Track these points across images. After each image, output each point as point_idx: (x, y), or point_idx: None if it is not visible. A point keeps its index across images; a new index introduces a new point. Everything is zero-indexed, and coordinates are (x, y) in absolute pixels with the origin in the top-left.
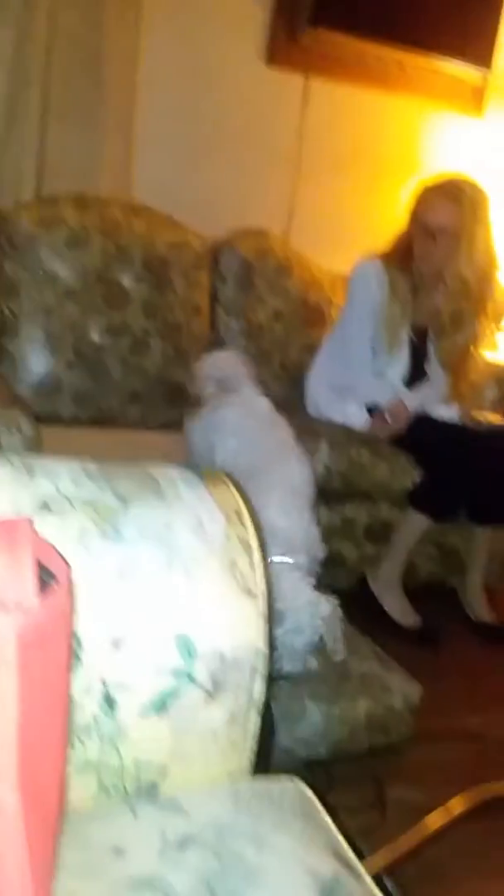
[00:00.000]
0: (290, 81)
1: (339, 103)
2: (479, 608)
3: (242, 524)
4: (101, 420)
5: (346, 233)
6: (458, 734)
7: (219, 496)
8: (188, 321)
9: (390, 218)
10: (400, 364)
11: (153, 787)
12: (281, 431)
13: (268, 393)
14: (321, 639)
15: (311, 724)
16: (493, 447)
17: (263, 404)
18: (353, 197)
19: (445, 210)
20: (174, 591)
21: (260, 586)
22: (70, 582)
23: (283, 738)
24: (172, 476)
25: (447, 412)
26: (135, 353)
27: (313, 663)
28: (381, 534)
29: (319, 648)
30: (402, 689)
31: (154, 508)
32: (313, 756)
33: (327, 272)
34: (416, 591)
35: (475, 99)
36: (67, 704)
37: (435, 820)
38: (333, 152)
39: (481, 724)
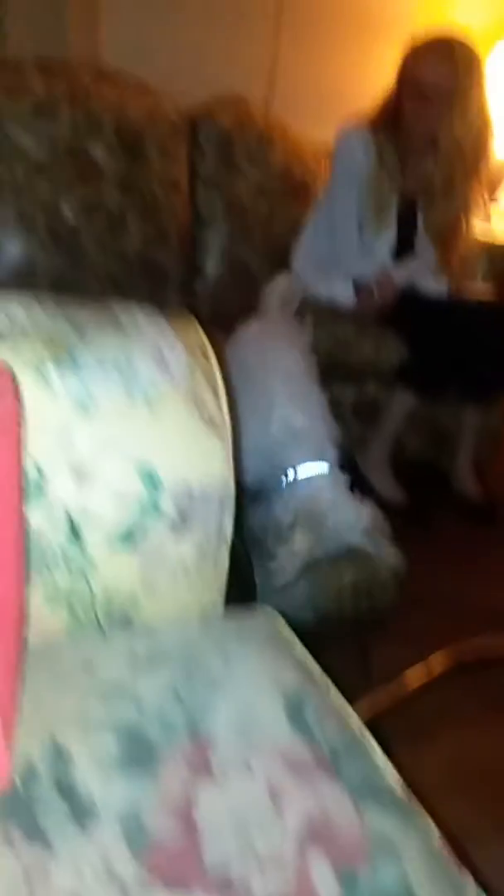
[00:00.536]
0: None
1: None
2: (468, 486)
3: (207, 359)
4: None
5: (333, 99)
6: (442, 601)
7: (182, 332)
8: (166, 197)
9: (382, 82)
10: (387, 238)
11: (125, 617)
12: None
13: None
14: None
15: (298, 591)
16: (483, 322)
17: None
18: (340, 59)
19: (438, 68)
20: (136, 422)
21: (225, 420)
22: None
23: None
24: (132, 310)
25: (436, 286)
26: (111, 233)
27: None
28: (369, 413)
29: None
30: (388, 558)
31: (112, 339)
32: (300, 623)
33: (312, 143)
34: (405, 470)
35: None
36: (20, 525)
37: (415, 676)
38: (318, 7)
39: (464, 591)
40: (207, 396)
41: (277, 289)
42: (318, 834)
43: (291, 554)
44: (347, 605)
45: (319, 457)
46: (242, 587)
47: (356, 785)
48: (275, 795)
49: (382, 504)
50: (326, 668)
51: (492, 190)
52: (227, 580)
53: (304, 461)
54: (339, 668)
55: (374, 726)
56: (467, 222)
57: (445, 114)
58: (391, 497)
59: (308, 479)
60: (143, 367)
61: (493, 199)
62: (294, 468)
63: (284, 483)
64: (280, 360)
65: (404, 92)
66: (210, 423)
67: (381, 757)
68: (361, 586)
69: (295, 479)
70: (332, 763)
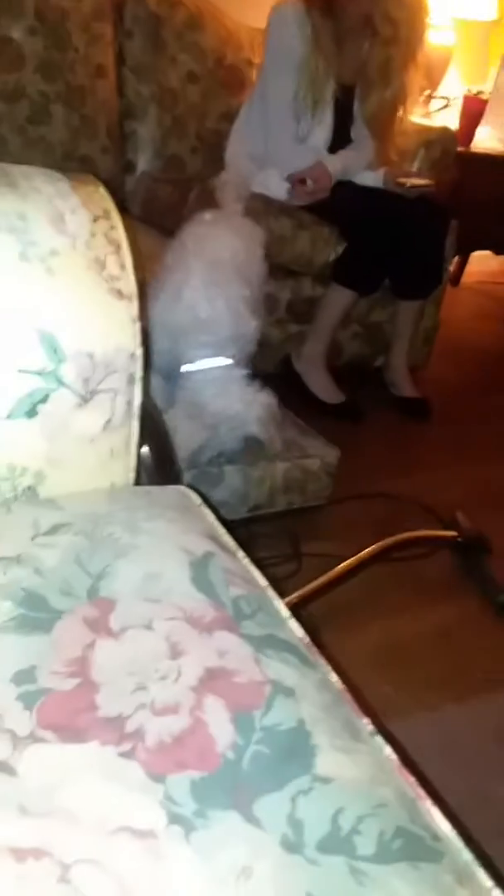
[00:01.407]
0: None
1: None
2: (403, 384)
3: (111, 223)
4: None
5: None
6: (375, 495)
7: (85, 195)
8: (92, 84)
9: None
10: (323, 128)
11: (30, 491)
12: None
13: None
14: (256, 436)
15: (229, 486)
16: (418, 216)
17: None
18: None
19: None
20: (33, 287)
21: (131, 288)
22: None
23: None
24: (29, 171)
25: (372, 178)
26: (34, 122)
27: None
28: (304, 312)
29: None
30: (319, 453)
31: (4, 197)
32: (232, 516)
33: (245, 27)
34: (340, 370)
35: None
36: None
37: (345, 568)
38: None
39: (398, 486)
40: (112, 265)
41: (230, 182)
42: (215, 682)
43: (182, 449)
44: (280, 498)
45: (218, 353)
46: (164, 469)
47: (257, 639)
48: (174, 649)
49: (318, 404)
50: (256, 562)
51: (430, 80)
52: (150, 461)
53: (203, 355)
54: (270, 558)
55: (301, 615)
56: (405, 111)
57: None
58: (326, 397)
59: (200, 372)
60: (39, 229)
61: (431, 89)
62: (190, 361)
63: (181, 374)
64: (214, 250)
65: None
66: (115, 292)
67: (285, 614)
68: (293, 480)
69: (190, 372)
70: (234, 620)
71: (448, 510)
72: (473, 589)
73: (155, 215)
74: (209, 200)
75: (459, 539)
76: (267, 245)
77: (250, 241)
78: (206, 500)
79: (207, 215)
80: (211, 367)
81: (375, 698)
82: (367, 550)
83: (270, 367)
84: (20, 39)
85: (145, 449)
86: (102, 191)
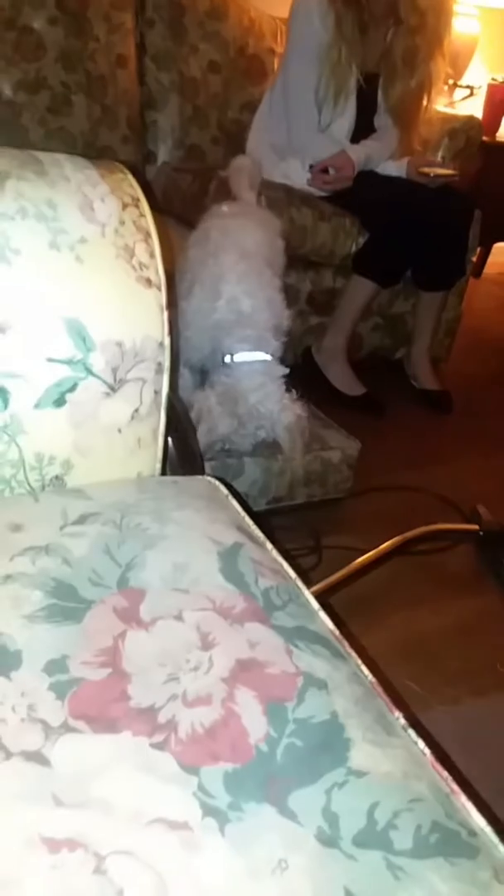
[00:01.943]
0: None
1: None
2: (424, 377)
3: (140, 210)
4: None
5: None
6: (396, 488)
7: (113, 183)
8: (113, 74)
9: None
10: (346, 117)
11: (58, 481)
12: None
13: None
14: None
15: (249, 478)
16: (442, 206)
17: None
18: None
19: None
20: (62, 275)
21: (160, 276)
22: None
23: None
24: (58, 158)
25: (395, 168)
26: (55, 112)
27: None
28: (325, 303)
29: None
30: (340, 445)
31: (33, 185)
32: (252, 508)
33: (268, 16)
34: (361, 362)
35: None
36: None
37: (366, 560)
38: None
39: (419, 479)
40: (141, 253)
41: (243, 170)
42: (246, 673)
43: (205, 433)
44: (300, 491)
45: (258, 346)
46: (189, 461)
47: (288, 630)
48: (205, 640)
49: (338, 396)
50: (278, 549)
51: (455, 68)
52: (173, 452)
53: (244, 348)
54: (291, 550)
55: (325, 606)
56: (429, 100)
57: None
58: (347, 390)
59: (241, 364)
60: (69, 217)
61: (456, 78)
62: (231, 354)
63: (221, 366)
64: (241, 241)
65: None
66: (144, 280)
67: (315, 606)
68: (314, 473)
69: (231, 364)
70: (264, 611)
71: (469, 503)
72: (494, 583)
73: (175, 205)
74: (229, 190)
75: (481, 532)
76: (288, 236)
77: (272, 232)
78: (234, 490)
79: (226, 206)
80: (252, 360)
81: (396, 685)
82: (387, 543)
83: (291, 359)
84: (41, 29)
85: (169, 439)
86: (131, 178)
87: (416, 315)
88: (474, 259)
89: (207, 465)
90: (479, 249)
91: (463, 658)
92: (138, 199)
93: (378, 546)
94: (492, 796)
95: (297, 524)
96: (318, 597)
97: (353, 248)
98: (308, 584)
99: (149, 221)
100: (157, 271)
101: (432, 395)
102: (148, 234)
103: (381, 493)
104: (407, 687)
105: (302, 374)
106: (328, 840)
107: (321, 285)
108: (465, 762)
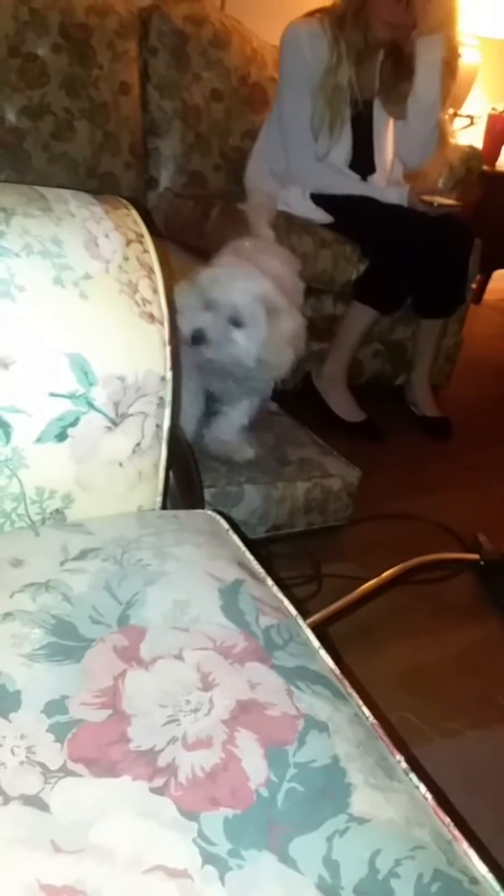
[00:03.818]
0: None
1: None
2: (424, 403)
3: (143, 246)
4: None
5: None
6: (396, 516)
7: (118, 219)
8: (116, 101)
9: None
10: (343, 145)
11: (58, 514)
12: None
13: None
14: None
15: (249, 505)
16: (443, 234)
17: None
18: None
19: None
20: (66, 311)
21: (163, 312)
22: None
23: None
24: (63, 195)
25: (396, 196)
26: (58, 138)
27: (250, 453)
28: (325, 329)
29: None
30: (340, 473)
31: (39, 221)
32: (252, 536)
33: (270, 45)
34: (361, 388)
35: None
36: None
37: (366, 590)
38: None
39: (419, 506)
40: (145, 289)
41: (263, 206)
42: (247, 716)
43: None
44: (300, 518)
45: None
46: (190, 493)
47: (289, 670)
48: (205, 680)
49: (338, 423)
50: (277, 582)
51: (455, 98)
52: (174, 484)
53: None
54: (290, 578)
55: (324, 636)
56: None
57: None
58: (347, 416)
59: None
60: (73, 253)
61: (456, 108)
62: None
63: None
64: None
65: None
66: (147, 316)
67: (316, 644)
68: (314, 501)
69: None
70: (265, 650)
71: (470, 531)
72: (495, 613)
73: (176, 231)
74: (231, 218)
75: (481, 562)
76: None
77: (293, 269)
78: (233, 523)
79: (247, 242)
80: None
81: (396, 723)
82: (388, 572)
83: (291, 385)
84: (45, 56)
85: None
86: (135, 214)
87: (417, 342)
88: (474, 286)
89: (207, 493)
90: (478, 276)
91: (464, 689)
92: (142, 236)
93: (378, 574)
94: (493, 833)
95: (296, 552)
96: (318, 626)
97: (354, 275)
98: (307, 613)
99: (152, 257)
100: (160, 307)
101: (432, 422)
102: (151, 270)
103: (380, 521)
104: (407, 719)
105: (302, 400)
106: (329, 889)
107: (322, 312)
108: (465, 797)
